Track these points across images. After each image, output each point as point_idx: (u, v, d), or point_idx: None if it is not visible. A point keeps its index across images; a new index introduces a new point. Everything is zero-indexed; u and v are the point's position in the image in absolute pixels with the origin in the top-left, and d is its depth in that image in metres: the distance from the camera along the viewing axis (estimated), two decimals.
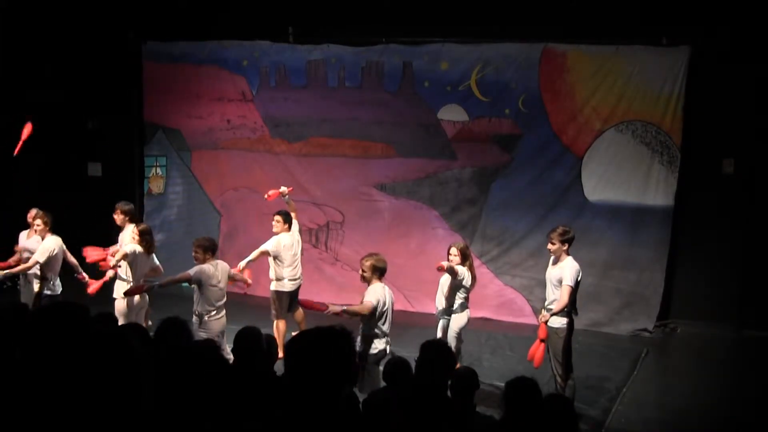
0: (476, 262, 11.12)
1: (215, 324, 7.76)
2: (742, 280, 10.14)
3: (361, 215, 11.61)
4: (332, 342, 2.69)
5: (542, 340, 7.14)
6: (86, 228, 11.21)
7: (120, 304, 8.27)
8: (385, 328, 7.12)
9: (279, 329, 9.02)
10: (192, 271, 7.73)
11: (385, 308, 7.04)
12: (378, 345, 7.04)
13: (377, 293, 7.03)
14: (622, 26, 10.03)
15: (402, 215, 11.41)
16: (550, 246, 7.37)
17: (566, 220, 10.56)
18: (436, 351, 4.95)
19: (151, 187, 12.75)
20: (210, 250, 7.86)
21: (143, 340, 4.51)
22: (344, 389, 2.74)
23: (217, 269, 7.81)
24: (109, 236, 9.59)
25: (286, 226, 9.13)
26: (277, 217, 9.15)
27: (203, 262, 7.79)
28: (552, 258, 7.51)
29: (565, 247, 7.30)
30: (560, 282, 7.26)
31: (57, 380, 2.56)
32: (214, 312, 7.79)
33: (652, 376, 9.14)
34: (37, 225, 8.59)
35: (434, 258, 10.88)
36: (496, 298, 11.07)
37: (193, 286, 7.81)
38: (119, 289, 8.36)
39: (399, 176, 11.46)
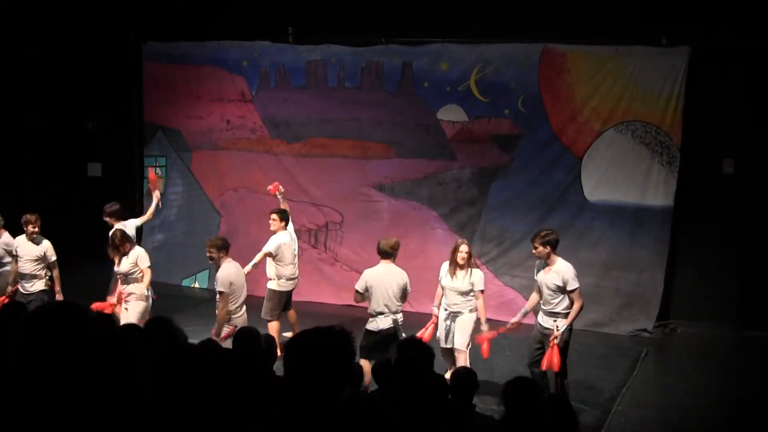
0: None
1: (238, 321, 7.83)
2: (742, 280, 10.14)
3: (360, 216, 11.60)
4: (332, 342, 2.69)
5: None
6: (86, 228, 11.22)
7: (140, 306, 8.29)
8: (372, 307, 7.57)
9: (274, 330, 8.99)
10: (222, 287, 7.73)
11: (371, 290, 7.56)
12: (369, 326, 7.54)
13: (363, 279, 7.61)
14: (622, 26, 10.03)
15: (401, 216, 11.40)
16: (534, 251, 7.40)
17: (566, 221, 10.60)
18: (413, 348, 4.94)
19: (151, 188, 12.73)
20: (224, 248, 7.92)
21: (141, 340, 4.51)
22: (344, 389, 2.74)
23: (234, 267, 7.91)
24: (108, 236, 9.61)
25: (283, 224, 9.12)
26: (274, 216, 9.15)
27: (218, 261, 7.87)
28: (538, 262, 7.53)
29: (548, 250, 7.31)
30: (560, 288, 7.25)
31: (56, 381, 2.56)
32: (239, 309, 7.88)
33: (652, 376, 9.15)
34: (34, 228, 8.61)
35: (434, 258, 10.84)
36: (495, 298, 11.04)
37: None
38: (139, 290, 8.38)
39: (398, 177, 11.45)
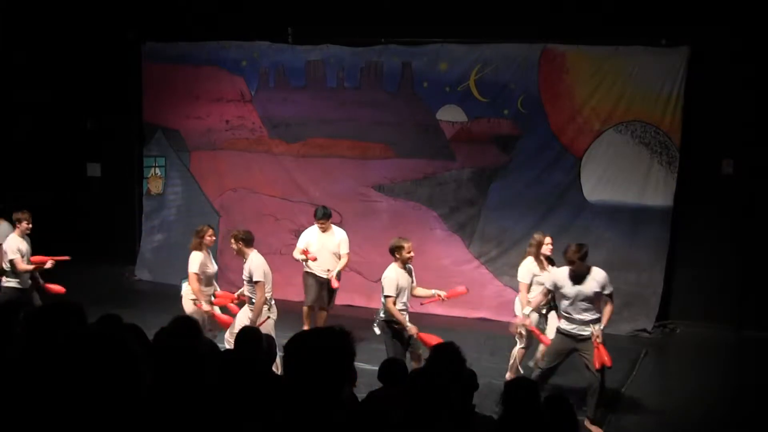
0: (475, 263, 11.15)
1: (272, 313, 7.94)
2: (742, 280, 10.13)
3: (359, 216, 11.58)
4: (332, 342, 2.68)
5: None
6: (85, 228, 11.22)
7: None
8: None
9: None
10: (259, 276, 7.78)
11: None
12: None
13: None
14: (621, 26, 10.03)
15: (400, 216, 11.39)
16: (573, 267, 7.15)
17: (565, 221, 10.60)
18: (448, 356, 4.92)
19: (150, 188, 12.74)
20: (245, 240, 8.00)
21: (141, 340, 4.50)
22: (344, 389, 2.73)
23: (262, 257, 7.98)
24: (107, 237, 9.63)
25: (329, 220, 9.42)
26: (321, 221, 9.37)
27: (239, 253, 8.00)
28: (561, 274, 7.29)
29: (584, 262, 7.16)
30: (597, 294, 7.12)
31: (55, 380, 2.55)
32: (272, 299, 7.97)
33: (651, 377, 9.13)
34: (29, 225, 8.65)
35: (433, 258, 10.88)
36: (495, 298, 11.05)
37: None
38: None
39: (397, 177, 11.44)
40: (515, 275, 10.92)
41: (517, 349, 8.19)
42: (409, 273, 7.76)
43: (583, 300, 7.15)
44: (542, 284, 7.80)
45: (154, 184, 12.73)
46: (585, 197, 10.64)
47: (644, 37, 10.07)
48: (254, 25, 11.63)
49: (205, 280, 8.27)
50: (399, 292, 7.58)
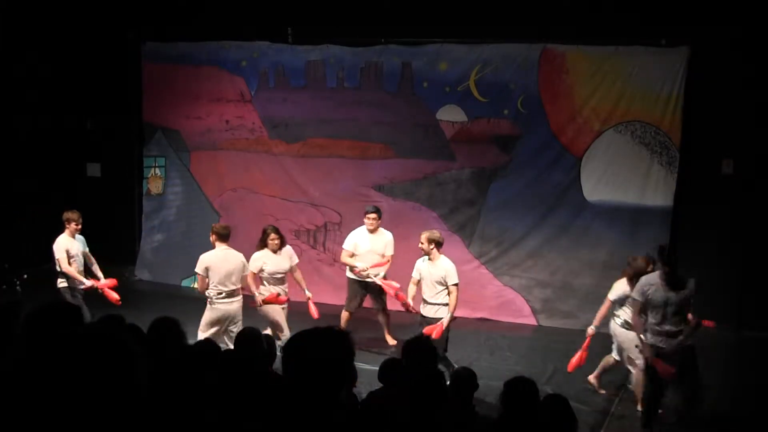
0: (475, 263, 11.15)
1: (221, 308, 8.07)
2: (742, 281, 10.13)
3: (359, 216, 11.53)
4: (330, 342, 2.68)
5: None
6: (85, 229, 11.19)
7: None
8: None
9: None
10: (197, 268, 8.02)
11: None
12: None
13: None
14: (621, 26, 10.03)
15: (400, 216, 11.37)
16: (668, 270, 6.80)
17: (565, 221, 10.61)
18: (418, 347, 4.97)
19: (150, 188, 12.74)
20: (218, 235, 8.12)
21: (139, 340, 4.50)
22: (344, 390, 2.74)
23: (221, 254, 8.07)
24: (107, 237, 9.62)
25: (380, 221, 9.37)
26: (373, 215, 9.34)
27: (212, 244, 8.16)
28: (651, 278, 6.94)
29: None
30: (687, 303, 6.85)
31: (53, 381, 2.55)
32: (224, 297, 8.03)
33: None
34: (78, 226, 8.72)
35: None
36: (495, 298, 11.06)
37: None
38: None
39: (397, 177, 11.44)
40: (515, 275, 11.01)
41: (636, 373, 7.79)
42: (434, 267, 8.09)
43: (672, 308, 6.79)
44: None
45: (154, 184, 12.73)
46: (585, 197, 10.65)
47: (644, 37, 10.07)
48: (254, 25, 11.63)
49: (272, 280, 8.58)
50: (421, 279, 8.13)
